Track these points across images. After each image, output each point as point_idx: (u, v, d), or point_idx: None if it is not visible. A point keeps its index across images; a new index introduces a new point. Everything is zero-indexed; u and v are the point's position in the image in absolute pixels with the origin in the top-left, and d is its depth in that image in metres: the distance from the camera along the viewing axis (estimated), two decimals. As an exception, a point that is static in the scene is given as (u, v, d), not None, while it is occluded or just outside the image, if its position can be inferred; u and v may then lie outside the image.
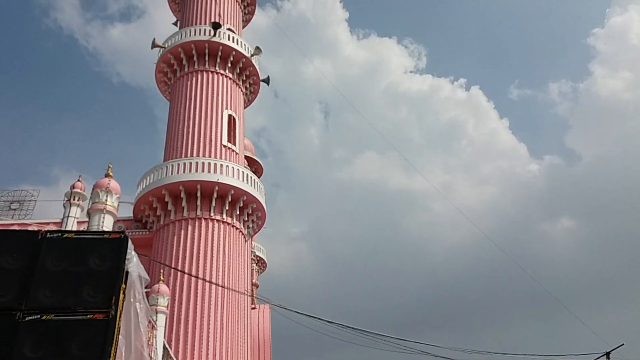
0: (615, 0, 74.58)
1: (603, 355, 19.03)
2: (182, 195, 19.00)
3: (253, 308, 25.02)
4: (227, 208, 19.60)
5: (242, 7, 27.68)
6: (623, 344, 19.12)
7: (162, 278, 14.04)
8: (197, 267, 17.63)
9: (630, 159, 64.30)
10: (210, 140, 21.04)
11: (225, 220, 19.46)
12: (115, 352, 5.53)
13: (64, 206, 16.71)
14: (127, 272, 6.17)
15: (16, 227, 15.25)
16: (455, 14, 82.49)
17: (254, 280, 29.78)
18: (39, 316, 5.38)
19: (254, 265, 31.31)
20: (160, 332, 12.23)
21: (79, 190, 16.41)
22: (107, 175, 12.97)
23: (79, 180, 17.04)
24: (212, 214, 19.15)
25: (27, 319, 5.34)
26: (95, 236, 6.34)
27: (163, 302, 13.07)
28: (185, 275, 17.19)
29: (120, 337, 5.71)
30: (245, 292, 19.38)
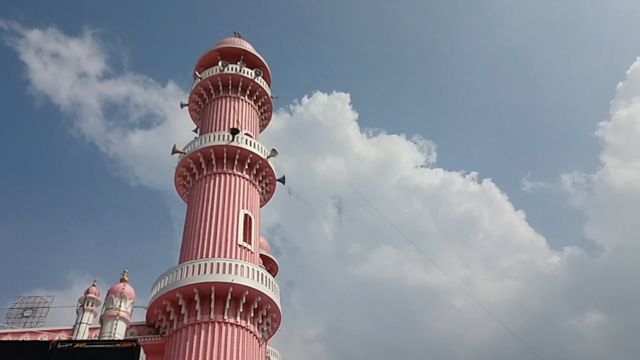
0: (619, 94, 76.98)
1: None
2: (196, 297, 18.69)
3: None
4: (241, 310, 19.16)
5: (260, 114, 29.05)
6: None
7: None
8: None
9: (654, 247, 62.59)
10: (226, 240, 21.08)
11: (239, 323, 18.94)
12: None
13: (77, 312, 16.54)
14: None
15: (27, 335, 14.92)
16: (463, 108, 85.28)
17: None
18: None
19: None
20: None
21: (93, 296, 16.35)
22: (122, 280, 12.96)
23: (93, 285, 17.03)
24: (225, 317, 18.68)
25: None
26: (106, 345, 6.23)
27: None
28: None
29: None
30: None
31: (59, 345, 5.96)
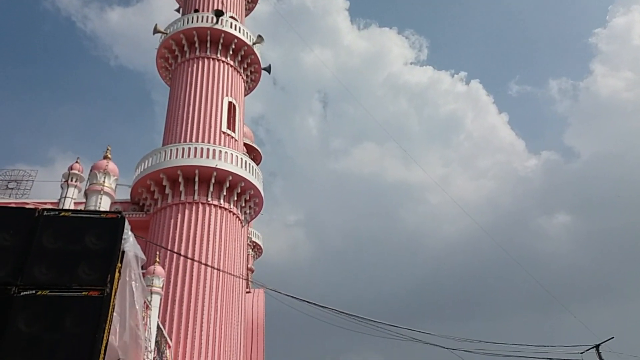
0: (618, 0, 74.34)
1: (592, 348, 19.27)
2: (180, 179, 19.07)
3: (248, 292, 25.22)
4: (224, 194, 19.68)
5: (245, -5, 27.60)
6: (613, 337, 19.37)
7: (157, 260, 14.16)
8: (193, 250, 17.76)
9: (628, 158, 64.37)
10: (210, 126, 21.07)
11: (222, 205, 19.56)
12: (110, 329, 5.64)
13: (62, 187, 16.78)
14: (124, 252, 6.27)
15: (13, 206, 15.24)
16: (458, 6, 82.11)
17: (249, 265, 29.97)
18: (34, 291, 5.47)
19: (250, 250, 31.46)
20: (154, 313, 12.38)
21: (76, 172, 16.47)
22: (105, 157, 13.04)
23: (77, 162, 17.09)
24: (209, 199, 19.23)
25: (22, 294, 5.43)
26: (92, 215, 6.43)
27: (158, 283, 13.20)
28: (181, 258, 17.32)
29: (114, 314, 5.81)
30: (241, 276, 19.53)
31: (45, 213, 6.07)
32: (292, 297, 13.77)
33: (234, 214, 20.10)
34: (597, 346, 19.35)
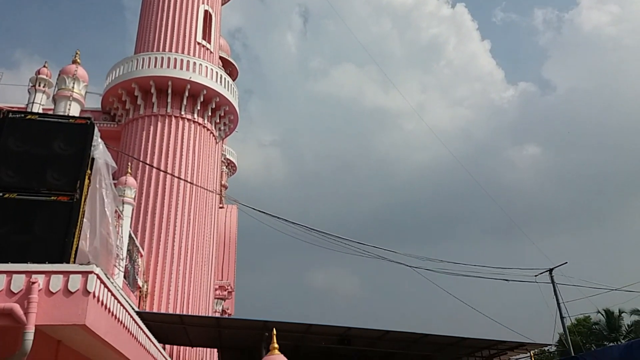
0: None
1: (546, 272, 20.44)
2: (153, 90, 18.51)
3: (221, 207, 25.53)
4: (198, 108, 19.29)
5: None
6: (566, 263, 20.53)
7: (129, 171, 14.04)
8: (166, 163, 17.63)
9: (603, 95, 65.04)
10: (184, 36, 20.21)
11: (196, 120, 19.22)
12: (80, 234, 5.66)
13: (29, 92, 16.12)
14: (93, 159, 6.17)
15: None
16: None
17: (223, 182, 30.11)
18: (1, 194, 5.40)
19: (224, 167, 31.46)
20: (126, 222, 12.45)
21: (44, 77, 15.77)
22: (74, 62, 12.45)
23: (44, 66, 16.31)
24: (182, 113, 18.84)
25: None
26: (60, 120, 6.25)
27: (130, 193, 13.17)
28: (154, 170, 17.21)
29: (85, 220, 5.81)
30: (214, 191, 19.63)
31: (10, 115, 5.85)
32: (263, 212, 13.97)
33: (207, 129, 19.83)
34: (550, 270, 20.50)
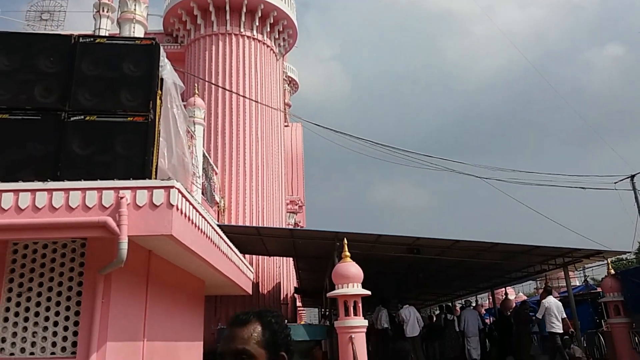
0: None
1: (627, 178, 19.40)
2: (211, 8, 18.33)
3: (286, 126, 25.78)
4: (257, 24, 19.00)
5: None
6: (649, 169, 19.30)
7: (196, 92, 14.30)
8: (230, 82, 17.78)
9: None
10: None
11: (255, 37, 19.01)
12: (158, 153, 5.91)
13: (94, 18, 16.51)
14: (162, 79, 6.29)
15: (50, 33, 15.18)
16: None
17: (286, 100, 30.15)
18: (82, 117, 5.67)
19: (286, 85, 31.34)
20: (199, 142, 12.88)
21: (107, 2, 16.04)
22: (133, -17, 12.51)
23: (106, -9, 16.55)
24: (242, 30, 18.65)
25: (72, 119, 5.64)
26: (127, 42, 6.33)
27: (200, 114, 13.50)
28: (219, 90, 17.44)
29: (161, 139, 6.03)
30: (278, 109, 19.74)
31: (81, 40, 5.99)
32: (328, 129, 13.97)
33: (267, 45, 19.61)
34: (631, 177, 19.44)
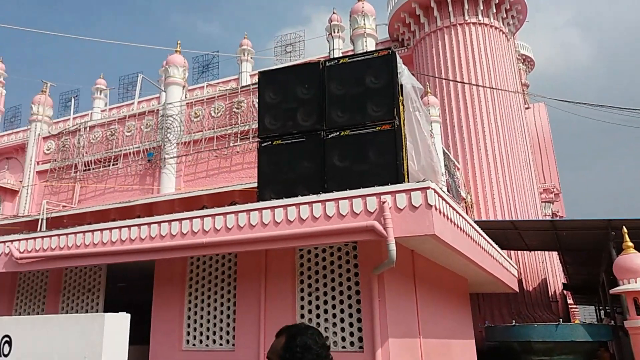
0: None
1: None
2: (432, 4, 18.27)
3: (527, 108, 24.01)
4: (481, 8, 18.23)
5: None
6: None
7: (428, 90, 14.39)
8: (461, 73, 17.39)
9: None
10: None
11: (482, 22, 18.25)
12: (407, 156, 6.15)
13: (327, 40, 18.11)
14: (402, 85, 6.54)
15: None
16: None
17: (522, 81, 28.09)
18: (338, 133, 6.28)
19: (521, 65, 29.19)
20: (437, 140, 12.93)
21: (336, 23, 17.43)
22: (359, 0, 13.31)
23: (334, 13, 18.01)
24: (467, 18, 18.11)
25: (329, 136, 6.31)
26: (365, 57, 6.77)
27: (435, 112, 13.56)
28: (451, 84, 17.22)
29: (408, 143, 6.27)
30: (516, 92, 18.53)
31: (327, 64, 6.64)
32: (578, 103, 12.51)
33: (496, 28, 18.62)
34: None
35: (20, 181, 16.97)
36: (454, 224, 5.50)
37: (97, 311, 6.89)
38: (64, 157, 15.55)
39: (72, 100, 19.33)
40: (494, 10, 18.51)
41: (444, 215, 5.09)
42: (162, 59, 18.78)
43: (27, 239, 6.55)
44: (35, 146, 16.50)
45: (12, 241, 6.66)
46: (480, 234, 6.82)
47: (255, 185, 6.50)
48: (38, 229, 13.11)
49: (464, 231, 5.90)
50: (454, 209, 5.54)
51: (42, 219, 13.50)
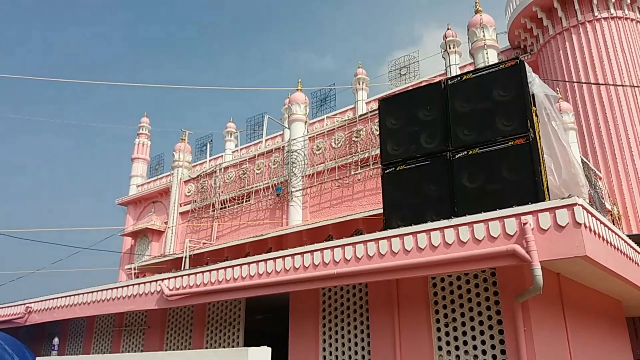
0: None
1: None
2: (555, 5, 17.06)
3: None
4: (613, 1, 16.64)
5: None
6: None
7: (559, 96, 13.33)
8: (595, 74, 15.88)
9: None
10: None
11: (614, 15, 16.62)
12: (545, 171, 5.66)
13: (443, 57, 17.66)
14: (533, 95, 6.09)
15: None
16: None
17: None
18: (465, 152, 5.99)
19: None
20: (574, 148, 11.87)
21: (452, 38, 16.97)
22: (476, 12, 12.86)
23: (448, 29, 17.56)
24: (596, 14, 16.62)
25: (456, 156, 6.04)
26: (491, 70, 6.42)
27: (569, 119, 12.52)
28: (584, 87, 15.79)
29: (545, 156, 5.78)
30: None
31: (449, 82, 6.45)
32: None
33: (632, 19, 16.86)
34: None
35: (165, 222, 18.66)
36: (607, 242, 4.93)
37: (238, 343, 7.20)
38: (203, 198, 16.86)
39: (207, 144, 20.98)
40: (628, 1, 16.80)
41: (594, 233, 4.57)
42: (282, 97, 19.77)
43: (175, 277, 7.08)
44: (178, 189, 18.10)
45: (162, 279, 7.24)
46: (635, 250, 6.05)
47: (378, 212, 6.43)
48: (182, 266, 14.26)
49: (617, 249, 5.26)
50: (605, 225, 4.97)
51: (185, 256, 14.66)
